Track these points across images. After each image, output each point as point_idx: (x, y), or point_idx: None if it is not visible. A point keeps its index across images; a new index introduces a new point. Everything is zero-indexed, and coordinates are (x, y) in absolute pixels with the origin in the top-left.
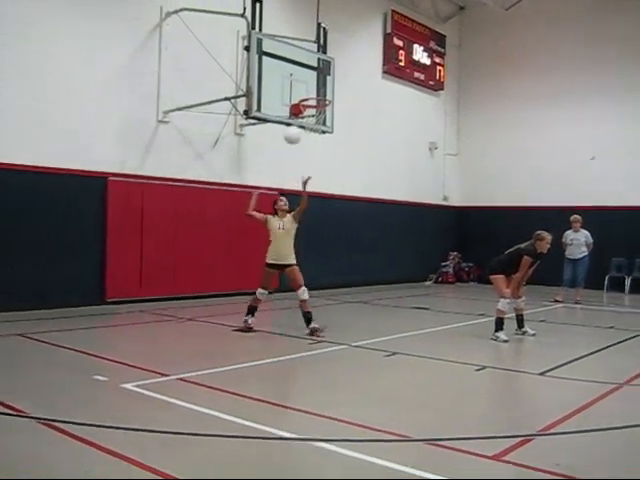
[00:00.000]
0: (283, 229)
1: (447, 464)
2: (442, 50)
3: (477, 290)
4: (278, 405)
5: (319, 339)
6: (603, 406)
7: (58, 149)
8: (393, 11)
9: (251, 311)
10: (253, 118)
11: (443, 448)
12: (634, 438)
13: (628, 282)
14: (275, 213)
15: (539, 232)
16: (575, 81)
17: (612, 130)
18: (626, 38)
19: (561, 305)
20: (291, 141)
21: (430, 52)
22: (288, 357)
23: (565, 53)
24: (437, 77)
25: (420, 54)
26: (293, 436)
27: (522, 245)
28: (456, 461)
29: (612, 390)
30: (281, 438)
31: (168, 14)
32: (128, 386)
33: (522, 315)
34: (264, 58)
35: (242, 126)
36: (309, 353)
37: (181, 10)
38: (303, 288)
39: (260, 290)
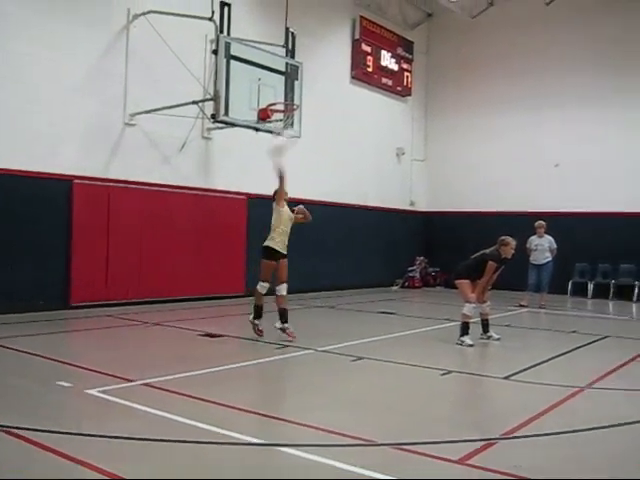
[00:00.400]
0: (291, 220)
1: (411, 468)
2: (410, 56)
3: (443, 295)
4: (244, 410)
5: (286, 344)
6: (566, 409)
7: (22, 151)
8: (361, 17)
9: (258, 313)
10: (221, 122)
11: (407, 452)
12: (596, 440)
13: (591, 287)
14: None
15: (503, 237)
16: (541, 88)
17: (576, 137)
18: (592, 45)
19: (526, 310)
20: (277, 153)
21: (398, 58)
22: (254, 362)
23: (532, 60)
24: (405, 83)
25: (388, 60)
26: (258, 441)
27: (487, 250)
28: (420, 465)
29: (574, 393)
30: (246, 443)
31: (135, 16)
32: (92, 392)
33: (487, 320)
34: (232, 62)
35: (210, 130)
36: (275, 358)
37: (148, 12)
38: (285, 284)
39: (262, 284)
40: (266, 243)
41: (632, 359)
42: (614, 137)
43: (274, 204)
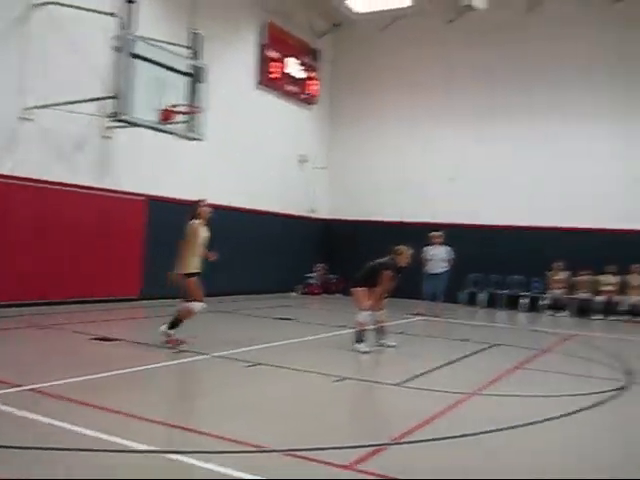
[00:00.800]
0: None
1: (302, 474)
2: (316, 64)
3: (342, 302)
4: (135, 416)
5: (182, 348)
6: (455, 414)
7: None
8: (269, 23)
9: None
10: (121, 121)
11: (299, 458)
12: (482, 444)
13: (483, 297)
14: (197, 218)
15: (398, 247)
16: (438, 102)
17: (471, 151)
18: (483, 63)
19: (421, 318)
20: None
21: (304, 66)
22: (148, 367)
23: (432, 75)
24: (310, 91)
25: (294, 67)
26: (149, 448)
27: (382, 259)
28: (311, 470)
29: (464, 399)
30: (136, 450)
31: (35, 6)
32: None
33: (383, 327)
34: (135, 61)
35: (110, 128)
36: (170, 363)
37: (49, 3)
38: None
39: (200, 305)
40: (190, 270)
41: (518, 366)
42: (508, 152)
43: (191, 225)
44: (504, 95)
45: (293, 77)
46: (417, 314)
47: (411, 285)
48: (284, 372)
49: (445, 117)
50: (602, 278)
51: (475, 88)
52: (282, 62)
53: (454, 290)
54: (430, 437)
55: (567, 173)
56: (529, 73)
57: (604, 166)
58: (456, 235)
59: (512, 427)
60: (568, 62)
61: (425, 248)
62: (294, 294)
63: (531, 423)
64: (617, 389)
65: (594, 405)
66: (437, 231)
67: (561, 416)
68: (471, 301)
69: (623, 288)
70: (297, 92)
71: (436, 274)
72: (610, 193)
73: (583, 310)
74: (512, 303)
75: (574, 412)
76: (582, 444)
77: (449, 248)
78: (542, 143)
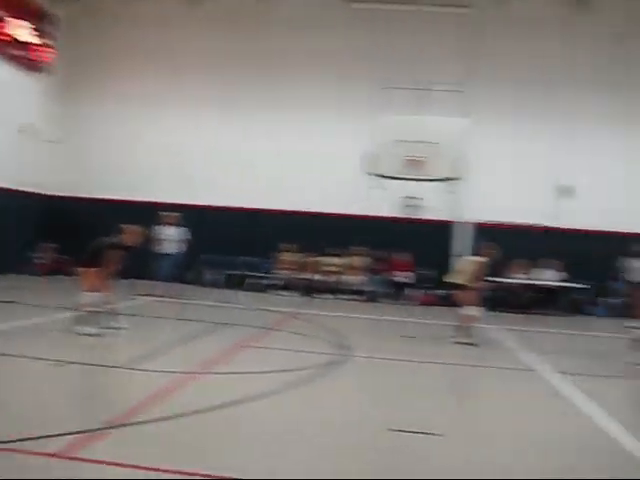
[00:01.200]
0: None
1: (6, 467)
2: (52, 32)
3: (70, 282)
4: None
5: None
6: (181, 394)
7: None
8: None
9: None
10: None
11: (12, 451)
12: (210, 421)
13: (218, 278)
14: None
15: (124, 225)
16: (201, 85)
17: (216, 132)
18: (223, 47)
19: (154, 299)
20: None
21: (38, 31)
22: None
23: (176, 56)
24: (42, 59)
25: (25, 32)
26: None
27: (109, 238)
28: (17, 462)
29: (191, 378)
30: None
31: None
32: None
33: (112, 309)
34: None
35: None
36: None
37: None
38: None
39: None
40: None
41: (246, 344)
42: (246, 135)
43: None
44: (245, 82)
45: (23, 42)
46: (149, 295)
47: (143, 265)
48: (2, 358)
49: (191, 98)
50: (327, 260)
51: (218, 72)
52: (9, 24)
53: (188, 271)
54: (158, 417)
55: (303, 160)
56: (268, 60)
57: (338, 154)
58: (193, 216)
59: (237, 402)
60: (305, 49)
61: (157, 228)
62: (24, 275)
63: (253, 398)
64: (333, 363)
65: (312, 378)
66: (171, 212)
67: (281, 390)
68: (205, 282)
69: (347, 269)
70: (26, 58)
71: (170, 254)
72: (342, 181)
73: (310, 290)
74: (245, 284)
75: (293, 386)
76: (300, 417)
77: (184, 229)
78: (281, 130)
